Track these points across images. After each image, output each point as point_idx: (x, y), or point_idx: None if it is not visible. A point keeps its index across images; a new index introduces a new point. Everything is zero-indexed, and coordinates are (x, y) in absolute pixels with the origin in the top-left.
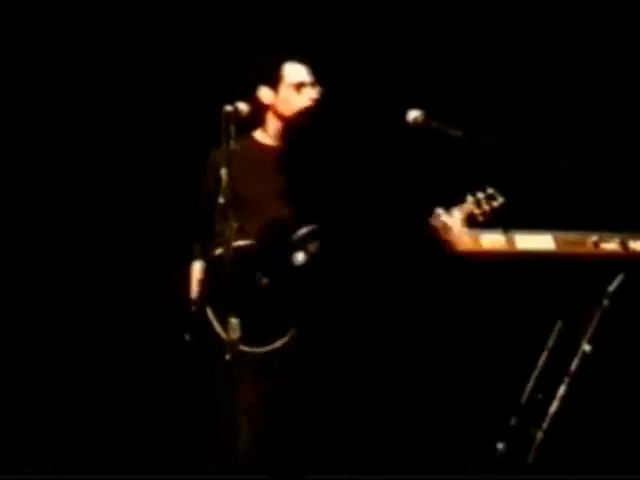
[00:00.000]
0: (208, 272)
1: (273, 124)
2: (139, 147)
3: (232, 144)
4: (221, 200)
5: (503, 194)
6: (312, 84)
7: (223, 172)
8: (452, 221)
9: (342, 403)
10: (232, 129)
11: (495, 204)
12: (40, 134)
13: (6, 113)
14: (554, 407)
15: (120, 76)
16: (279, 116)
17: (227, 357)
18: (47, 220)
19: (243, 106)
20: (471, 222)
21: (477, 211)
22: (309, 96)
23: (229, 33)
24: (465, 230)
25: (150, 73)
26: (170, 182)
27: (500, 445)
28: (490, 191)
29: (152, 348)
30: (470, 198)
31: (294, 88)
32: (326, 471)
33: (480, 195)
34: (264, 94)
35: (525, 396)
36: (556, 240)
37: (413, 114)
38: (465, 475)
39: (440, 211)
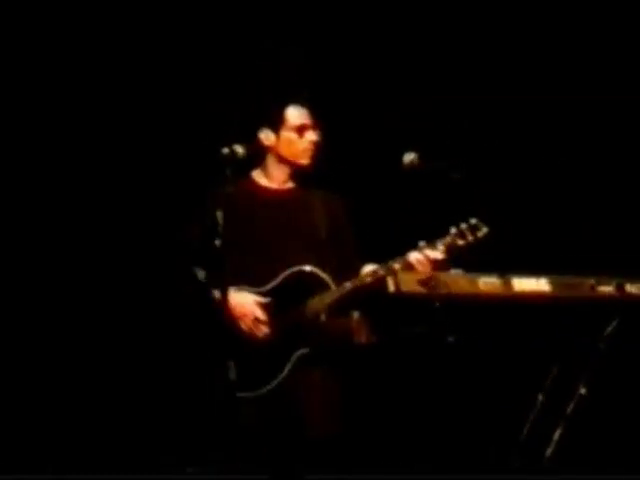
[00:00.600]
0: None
1: (273, 166)
2: (137, 193)
3: (229, 187)
4: (217, 242)
5: (491, 227)
6: (313, 127)
7: (219, 215)
8: (435, 255)
9: (342, 403)
10: (229, 171)
11: (479, 234)
12: (42, 139)
13: (6, 114)
14: (550, 451)
15: (123, 108)
16: (280, 158)
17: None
18: (48, 223)
19: (239, 148)
20: (455, 253)
21: (461, 242)
22: (310, 139)
23: (230, 73)
24: (460, 273)
25: (151, 115)
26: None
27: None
28: (473, 222)
29: (152, 348)
30: (453, 230)
31: (296, 131)
32: (326, 471)
33: (463, 226)
34: (265, 136)
35: (522, 437)
36: (552, 283)
37: (409, 157)
38: (465, 475)
39: (422, 244)
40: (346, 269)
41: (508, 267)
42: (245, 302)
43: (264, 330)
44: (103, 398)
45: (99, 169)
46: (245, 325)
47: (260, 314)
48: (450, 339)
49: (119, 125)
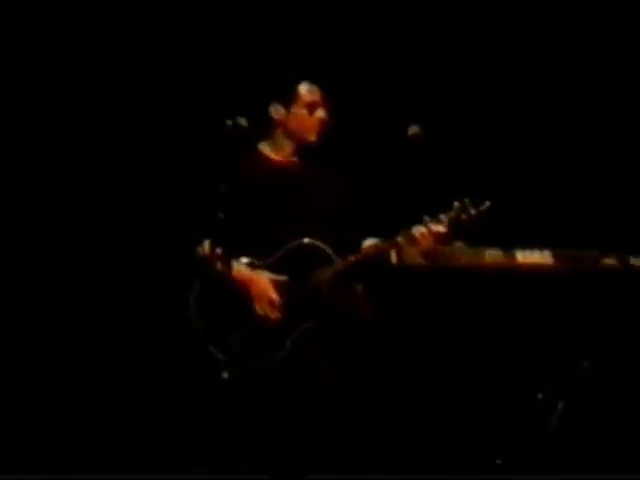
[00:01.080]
0: (205, 288)
1: (281, 140)
2: (150, 161)
3: (233, 158)
4: (221, 215)
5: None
6: (323, 105)
7: (222, 186)
8: (439, 229)
9: (342, 403)
10: (232, 143)
11: (482, 208)
12: (43, 137)
13: (7, 114)
14: (553, 421)
15: (132, 90)
16: (288, 133)
17: (224, 375)
18: (49, 224)
19: (243, 121)
20: (458, 227)
21: (464, 216)
22: (319, 116)
23: (241, 47)
24: (464, 246)
25: (163, 89)
26: (174, 185)
27: (499, 461)
28: (476, 196)
29: (152, 348)
30: (456, 203)
31: (307, 108)
32: (326, 471)
33: (466, 200)
34: (275, 110)
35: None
36: (556, 256)
37: (413, 129)
38: (465, 475)
39: (427, 218)
40: (347, 246)
41: (512, 242)
42: (263, 284)
43: (277, 314)
44: (103, 398)
45: (102, 154)
46: (260, 308)
47: (275, 297)
48: (455, 309)
49: (126, 113)
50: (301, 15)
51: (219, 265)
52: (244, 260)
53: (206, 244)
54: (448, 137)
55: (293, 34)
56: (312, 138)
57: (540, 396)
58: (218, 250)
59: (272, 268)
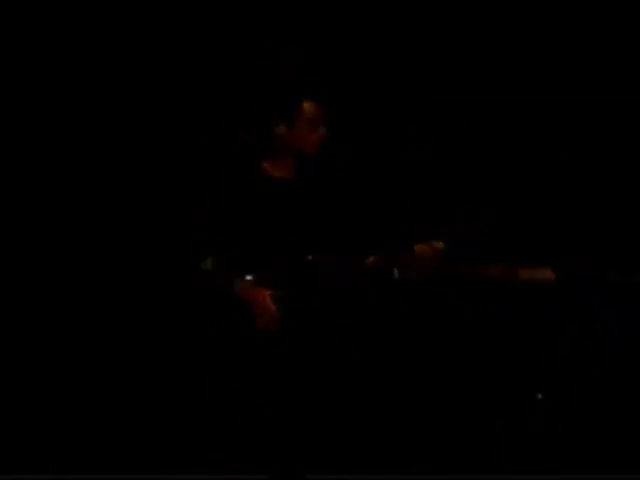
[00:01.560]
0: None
1: (282, 155)
2: (152, 166)
3: (235, 174)
4: (224, 230)
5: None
6: (324, 121)
7: (225, 203)
8: (439, 244)
9: (342, 403)
10: (235, 158)
11: (484, 221)
12: (42, 139)
13: (8, 115)
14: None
15: (132, 91)
16: (289, 149)
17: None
18: (50, 226)
19: (246, 136)
20: (459, 243)
21: (464, 232)
22: (321, 133)
23: (242, 47)
24: (464, 261)
25: (164, 89)
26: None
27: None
28: (476, 212)
29: (152, 348)
30: (457, 219)
31: (310, 125)
32: (326, 471)
33: (467, 216)
34: (277, 126)
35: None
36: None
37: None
38: (465, 475)
39: (427, 234)
40: (348, 260)
41: (514, 257)
42: (263, 298)
43: (277, 327)
44: (103, 398)
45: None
46: (262, 322)
47: (275, 311)
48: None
49: (125, 115)
50: (301, 15)
51: (222, 281)
52: (246, 277)
53: (209, 261)
54: (448, 137)
55: (293, 34)
56: (313, 153)
57: (540, 396)
58: (221, 267)
59: (272, 282)
